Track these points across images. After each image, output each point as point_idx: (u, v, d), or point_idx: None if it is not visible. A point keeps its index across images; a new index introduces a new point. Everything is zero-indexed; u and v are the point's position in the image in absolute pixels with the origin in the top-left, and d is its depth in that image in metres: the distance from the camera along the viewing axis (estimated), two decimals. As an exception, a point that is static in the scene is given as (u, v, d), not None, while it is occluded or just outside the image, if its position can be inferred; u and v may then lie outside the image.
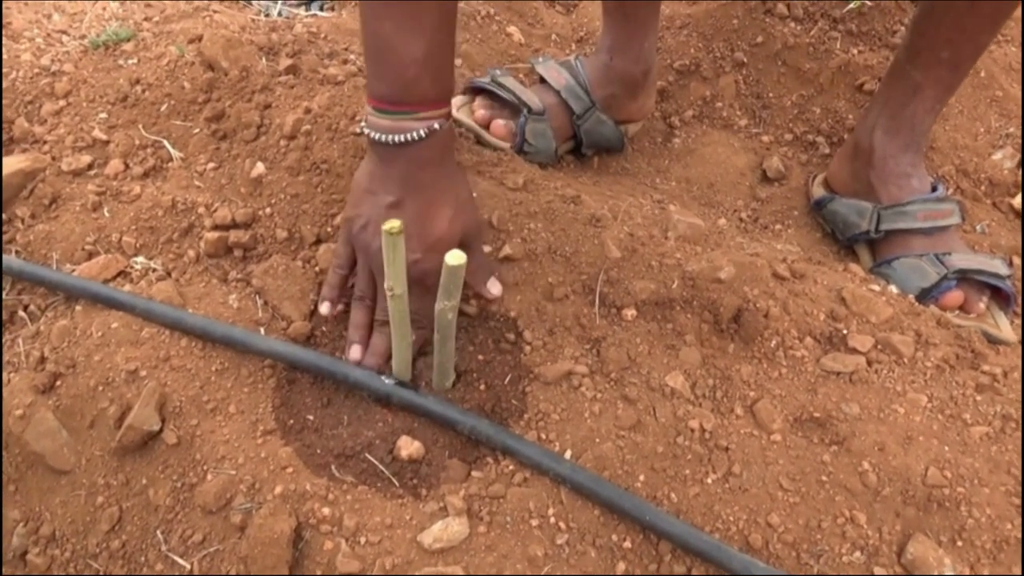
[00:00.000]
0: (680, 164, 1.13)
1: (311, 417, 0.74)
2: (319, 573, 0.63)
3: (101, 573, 0.68)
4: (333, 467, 0.69)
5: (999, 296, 0.93)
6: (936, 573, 0.64)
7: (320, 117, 0.91)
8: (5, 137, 0.95)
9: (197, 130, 0.94)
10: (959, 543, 0.66)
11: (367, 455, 0.70)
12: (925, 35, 0.92)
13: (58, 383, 0.75)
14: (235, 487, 0.68)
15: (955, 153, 1.13)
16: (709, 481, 0.68)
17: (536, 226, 0.84)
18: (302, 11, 1.27)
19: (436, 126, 0.73)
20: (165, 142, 0.94)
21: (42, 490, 0.72)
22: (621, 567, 0.64)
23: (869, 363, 0.78)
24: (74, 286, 0.80)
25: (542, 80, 1.09)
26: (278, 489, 0.67)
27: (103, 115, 0.97)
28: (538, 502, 0.66)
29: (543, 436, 0.71)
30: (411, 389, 0.73)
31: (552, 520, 0.66)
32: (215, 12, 1.16)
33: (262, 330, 0.79)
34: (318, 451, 0.70)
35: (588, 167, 1.12)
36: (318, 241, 0.86)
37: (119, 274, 0.83)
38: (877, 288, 0.87)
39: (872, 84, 1.15)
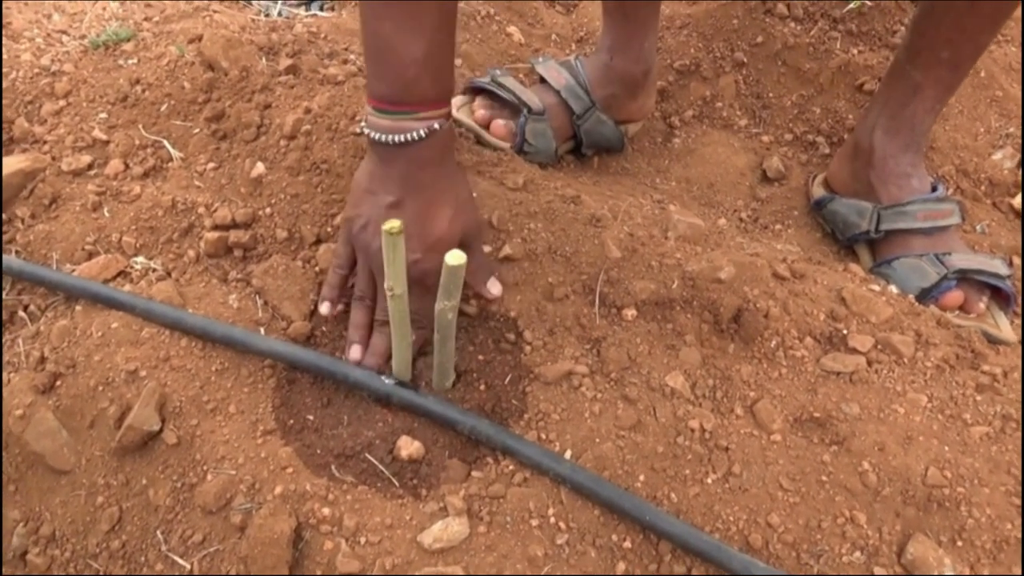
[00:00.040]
0: (680, 164, 1.13)
1: (311, 417, 0.74)
2: (319, 573, 0.63)
3: (101, 573, 0.68)
4: (333, 467, 0.69)
5: (999, 296, 0.93)
6: (936, 573, 0.64)
7: (320, 117, 0.91)
8: (5, 137, 0.95)
9: (197, 130, 0.94)
10: (959, 543, 0.66)
11: (367, 455, 0.70)
12: (925, 35, 0.92)
13: (58, 383, 0.75)
14: (235, 487, 0.68)
15: (955, 153, 1.13)
16: (709, 481, 0.68)
17: (536, 226, 0.84)
18: (302, 11, 1.27)
19: (436, 126, 0.73)
20: (165, 142, 0.94)
21: (42, 490, 0.72)
22: (621, 567, 0.64)
23: (869, 363, 0.78)
24: (74, 286, 0.80)
25: (542, 80, 1.09)
26: (278, 489, 0.67)
27: (103, 115, 0.97)
28: (538, 502, 0.66)
29: (543, 436, 0.71)
30: (411, 389, 0.73)
31: (552, 520, 0.66)
32: (215, 12, 1.16)
33: (262, 330, 0.79)
34: (318, 451, 0.70)
35: (588, 167, 1.12)
36: (318, 241, 0.86)
37: (119, 274, 0.83)
38: (877, 288, 0.87)
39: (872, 84, 1.15)
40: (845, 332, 0.80)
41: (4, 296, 0.84)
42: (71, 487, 0.72)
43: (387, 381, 0.73)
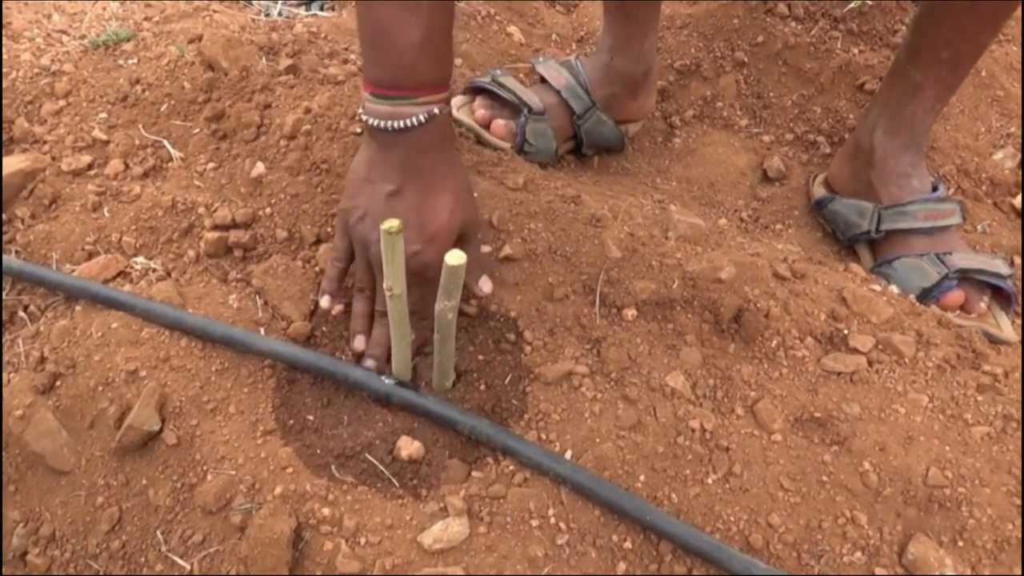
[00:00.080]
0: (680, 164, 1.13)
1: (311, 417, 0.74)
2: (319, 574, 0.63)
3: (101, 573, 0.68)
4: (333, 467, 0.69)
5: (1000, 296, 0.93)
6: (937, 573, 0.63)
7: (320, 117, 0.91)
8: (5, 137, 0.95)
9: (197, 130, 0.94)
10: (960, 543, 0.66)
11: (367, 455, 0.70)
12: (925, 35, 0.92)
13: (58, 383, 0.75)
14: (235, 487, 0.67)
15: (956, 153, 1.13)
16: (709, 481, 0.68)
17: (536, 226, 0.84)
18: (302, 11, 1.27)
19: (436, 111, 0.72)
20: (165, 142, 0.94)
21: (42, 490, 0.72)
22: (621, 567, 0.64)
23: (870, 363, 0.78)
24: (74, 286, 0.80)
25: (542, 80, 1.09)
26: (278, 489, 0.67)
27: (103, 115, 0.97)
28: (538, 502, 0.66)
29: (543, 436, 0.71)
30: (411, 389, 0.73)
31: (552, 520, 0.66)
32: (215, 12, 1.16)
33: (262, 330, 0.79)
34: (318, 451, 0.70)
35: (588, 167, 1.12)
36: (318, 241, 0.86)
37: (119, 274, 0.83)
38: (878, 288, 0.87)
39: (873, 84, 1.15)
40: (846, 332, 0.80)
41: (4, 296, 0.84)
42: (71, 487, 0.72)
43: (387, 381, 0.73)
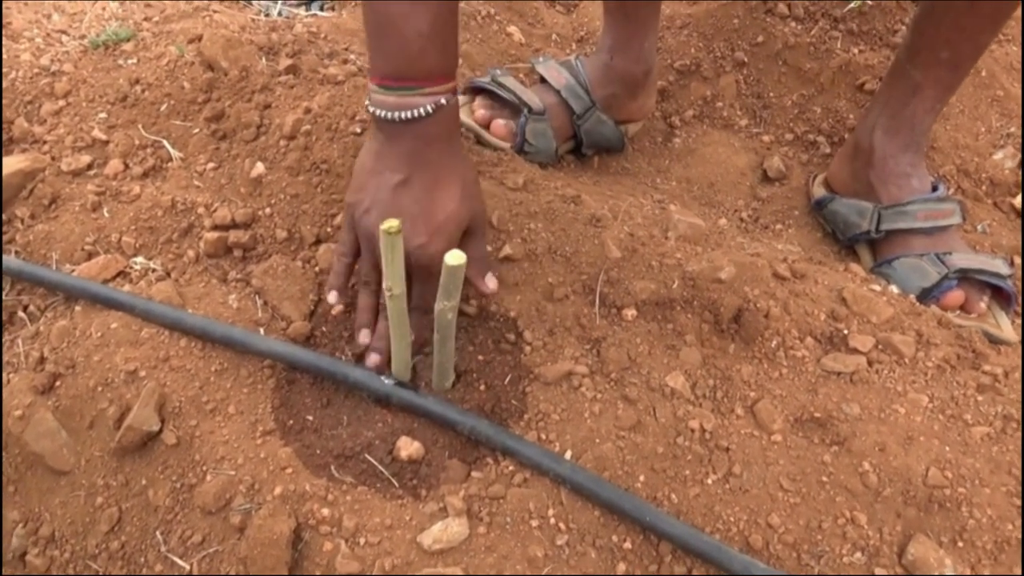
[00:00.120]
0: (680, 164, 1.13)
1: (311, 417, 0.74)
2: (319, 574, 0.63)
3: (101, 574, 0.68)
4: (333, 467, 0.69)
5: (1000, 296, 0.93)
6: (937, 574, 0.63)
7: (320, 117, 0.91)
8: (5, 137, 0.95)
9: (197, 130, 0.94)
10: (960, 544, 0.66)
11: (367, 455, 0.70)
12: (925, 35, 0.92)
13: (58, 383, 0.75)
14: (234, 488, 0.67)
15: (956, 153, 1.13)
16: (709, 482, 0.68)
17: (536, 226, 0.84)
18: (302, 11, 1.27)
19: (443, 101, 0.71)
20: (165, 142, 0.94)
21: (42, 491, 0.72)
22: (621, 568, 0.64)
23: (870, 363, 0.78)
24: (74, 286, 0.80)
25: (542, 80, 1.09)
26: (278, 490, 0.67)
27: (103, 115, 0.97)
28: (538, 503, 0.66)
29: (543, 436, 0.71)
30: (411, 389, 0.73)
31: (552, 521, 0.65)
32: (215, 12, 1.16)
33: (262, 330, 0.78)
34: (318, 451, 0.70)
35: (588, 167, 1.12)
36: (318, 241, 0.86)
37: (119, 274, 0.83)
38: (878, 288, 0.87)
39: (873, 84, 1.15)
40: (846, 332, 0.80)
41: (4, 296, 0.83)
42: (70, 488, 0.72)
43: (387, 381, 0.73)
